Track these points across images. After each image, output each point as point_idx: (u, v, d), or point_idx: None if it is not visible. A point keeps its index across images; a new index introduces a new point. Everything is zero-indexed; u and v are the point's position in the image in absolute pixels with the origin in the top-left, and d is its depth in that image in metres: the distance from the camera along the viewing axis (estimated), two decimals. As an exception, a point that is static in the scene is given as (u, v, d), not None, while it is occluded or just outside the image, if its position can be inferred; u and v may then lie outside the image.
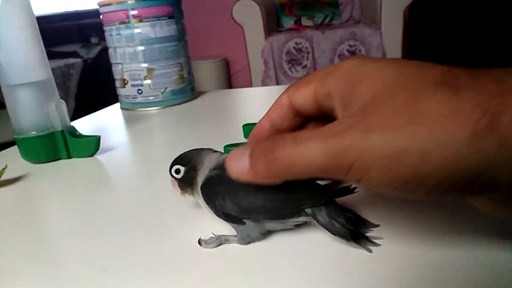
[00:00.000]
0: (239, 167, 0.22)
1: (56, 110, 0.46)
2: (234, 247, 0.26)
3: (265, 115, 0.27)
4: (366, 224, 0.25)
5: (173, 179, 0.29)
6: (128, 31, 0.70)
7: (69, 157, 0.48)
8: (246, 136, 0.47)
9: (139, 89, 0.73)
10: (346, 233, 0.24)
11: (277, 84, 2.30)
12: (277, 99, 0.26)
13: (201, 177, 0.27)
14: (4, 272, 0.26)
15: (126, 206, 0.35)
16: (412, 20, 2.33)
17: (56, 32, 2.58)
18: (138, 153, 0.51)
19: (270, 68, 2.30)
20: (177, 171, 0.28)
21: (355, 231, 0.24)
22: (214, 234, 0.26)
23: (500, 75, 0.17)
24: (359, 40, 2.17)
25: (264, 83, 2.32)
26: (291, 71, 2.31)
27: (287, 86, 0.29)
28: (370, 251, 0.24)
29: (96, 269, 0.25)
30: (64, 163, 0.48)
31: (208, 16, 2.77)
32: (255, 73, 2.35)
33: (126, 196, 0.37)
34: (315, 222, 0.25)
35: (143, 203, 0.35)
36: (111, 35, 0.73)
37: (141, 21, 0.70)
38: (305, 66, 2.28)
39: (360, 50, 2.18)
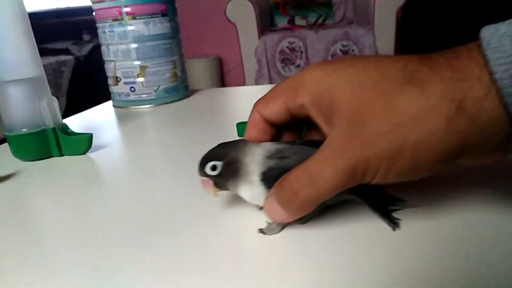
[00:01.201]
0: (280, 217, 0.25)
1: (47, 107, 0.46)
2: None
3: (245, 136, 0.30)
4: (396, 200, 0.28)
5: (205, 179, 0.27)
6: (121, 28, 0.70)
7: (61, 154, 0.48)
8: (240, 134, 0.47)
9: (131, 87, 0.73)
10: (383, 211, 0.27)
11: (271, 83, 2.30)
12: (250, 119, 0.29)
13: (254, 166, 0.26)
14: (-5, 271, 0.26)
15: (118, 205, 0.34)
16: (405, 21, 2.35)
17: (47, 29, 2.55)
18: (131, 151, 0.51)
19: (264, 67, 2.30)
20: (214, 168, 0.27)
21: (388, 209, 0.27)
22: (269, 222, 0.27)
23: (451, 60, 0.20)
24: (352, 40, 2.18)
25: (257, 82, 2.32)
26: (285, 70, 2.31)
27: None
28: (393, 228, 0.26)
29: (88, 269, 0.25)
30: (55, 160, 0.47)
31: (202, 14, 2.76)
32: (248, 72, 2.34)
33: (118, 195, 0.37)
34: (359, 198, 0.27)
35: (136, 201, 0.35)
36: (104, 32, 0.72)
37: (134, 18, 0.69)
38: (298, 66, 2.29)
39: (353, 50, 2.19)
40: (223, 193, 0.29)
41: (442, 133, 0.20)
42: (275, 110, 0.27)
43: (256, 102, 0.29)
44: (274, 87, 0.28)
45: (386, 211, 0.27)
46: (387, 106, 0.21)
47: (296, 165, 0.24)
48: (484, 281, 0.21)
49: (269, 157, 0.26)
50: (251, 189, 0.27)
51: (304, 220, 0.27)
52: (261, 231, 0.26)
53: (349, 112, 0.22)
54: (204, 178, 0.27)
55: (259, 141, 0.28)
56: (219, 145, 0.29)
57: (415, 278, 0.21)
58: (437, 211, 0.27)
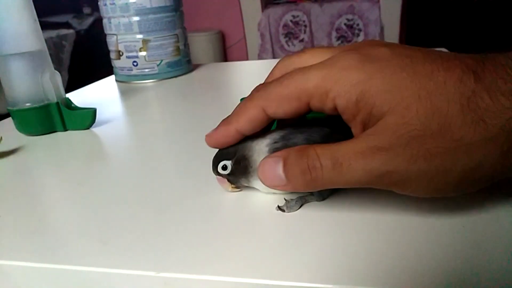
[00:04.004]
0: (275, 180, 0.23)
1: (50, 82, 0.46)
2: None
3: (231, 126, 0.26)
4: None
5: (219, 177, 0.28)
6: (122, 1, 0.68)
7: (65, 129, 0.48)
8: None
9: (134, 61, 0.72)
10: None
11: (274, 57, 2.28)
12: (247, 112, 0.25)
13: (261, 157, 0.26)
14: (1, 245, 0.26)
15: (122, 179, 0.34)
16: (412, -6, 2.29)
17: (46, 2, 2.51)
18: (135, 126, 0.51)
19: (267, 41, 2.27)
20: (224, 167, 0.28)
21: None
22: (286, 199, 0.27)
23: (508, 84, 0.19)
24: (357, 14, 2.14)
25: (260, 57, 2.30)
26: (288, 45, 2.28)
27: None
28: None
29: (94, 242, 0.25)
30: (59, 135, 0.47)
31: (204, -14, 2.70)
32: (251, 46, 2.32)
33: (122, 169, 0.37)
34: None
35: (140, 176, 0.35)
36: (105, 5, 0.71)
37: (135, -10, 0.68)
38: (302, 40, 2.26)
39: (358, 25, 2.15)
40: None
41: (494, 162, 0.20)
42: (290, 111, 0.24)
43: (259, 94, 0.25)
44: (283, 79, 0.24)
45: None
46: (442, 128, 0.20)
47: (302, 143, 0.24)
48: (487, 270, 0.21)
49: (275, 142, 0.26)
50: None
51: (323, 196, 0.27)
52: (280, 208, 0.27)
53: (398, 120, 0.21)
54: (219, 176, 0.28)
55: (244, 132, 0.26)
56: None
57: (433, 260, 0.21)
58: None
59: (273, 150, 0.26)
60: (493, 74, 0.20)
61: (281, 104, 0.24)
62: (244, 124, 0.26)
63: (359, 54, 0.23)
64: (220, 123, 0.27)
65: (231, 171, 0.28)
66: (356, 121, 0.23)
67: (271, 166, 0.23)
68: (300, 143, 0.25)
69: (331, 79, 0.23)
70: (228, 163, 0.28)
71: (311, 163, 0.22)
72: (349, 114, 0.23)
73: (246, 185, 0.28)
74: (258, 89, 0.26)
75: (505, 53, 0.20)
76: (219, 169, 0.28)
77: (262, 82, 0.28)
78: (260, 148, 0.27)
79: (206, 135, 0.27)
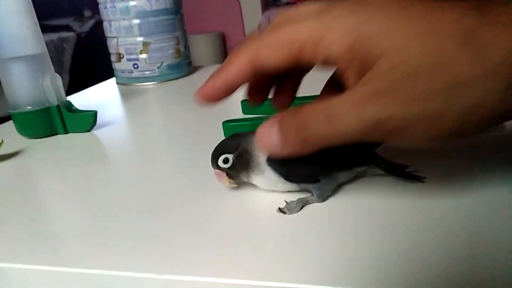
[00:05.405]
0: (271, 144, 0.22)
1: (51, 85, 0.46)
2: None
3: (220, 76, 0.24)
4: (407, 167, 0.28)
5: (218, 171, 0.28)
6: (123, 4, 0.69)
7: (66, 132, 0.48)
8: (244, 112, 0.47)
9: (135, 64, 0.72)
10: (400, 171, 0.28)
11: (274, 59, 2.28)
12: (237, 59, 0.23)
13: (263, 155, 0.26)
14: (2, 248, 0.26)
15: (123, 181, 0.35)
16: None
17: (47, 5, 2.51)
18: (135, 129, 0.51)
19: (267, 43, 2.27)
20: (226, 161, 0.27)
21: (404, 169, 0.28)
22: (287, 201, 0.27)
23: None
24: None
25: (260, 59, 2.30)
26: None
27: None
28: (423, 181, 0.27)
29: (95, 244, 0.25)
30: (60, 138, 0.47)
31: (204, -11, 2.71)
32: (251, 48, 2.32)
33: (123, 171, 0.37)
34: (373, 170, 0.28)
35: (140, 178, 0.35)
36: (105, 8, 0.71)
37: (136, -7, 0.68)
38: (302, 41, 2.26)
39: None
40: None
41: (498, 98, 0.18)
42: (282, 58, 0.22)
43: (251, 42, 0.23)
44: (276, 26, 0.23)
45: (406, 173, 0.28)
46: (438, 65, 0.19)
47: None
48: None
49: None
50: (264, 177, 0.27)
51: (323, 197, 0.27)
52: (281, 210, 0.26)
53: (392, 63, 0.19)
54: (218, 170, 0.28)
55: (238, 84, 0.24)
56: (227, 138, 0.29)
57: (434, 255, 0.21)
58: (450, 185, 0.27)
59: None
60: (497, 9, 0.19)
61: (272, 50, 0.23)
62: (234, 73, 0.24)
63: (353, 1, 0.22)
64: (210, 75, 0.25)
65: (232, 164, 0.27)
66: (351, 69, 0.22)
67: (267, 130, 0.22)
68: None
69: (324, 26, 0.21)
70: (230, 156, 0.27)
71: (304, 120, 0.21)
72: (343, 62, 0.22)
73: (246, 180, 0.28)
74: (250, 37, 0.24)
75: None
76: (220, 163, 0.27)
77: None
78: None
79: (196, 91, 0.25)
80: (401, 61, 0.19)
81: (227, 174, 0.28)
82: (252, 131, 0.27)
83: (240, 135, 0.28)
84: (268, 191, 0.28)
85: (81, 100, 0.67)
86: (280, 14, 0.26)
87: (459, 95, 0.18)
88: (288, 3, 2.40)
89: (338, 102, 0.20)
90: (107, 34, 0.74)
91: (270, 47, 0.23)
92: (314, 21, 0.22)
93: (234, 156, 0.27)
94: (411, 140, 0.20)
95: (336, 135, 0.20)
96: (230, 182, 0.28)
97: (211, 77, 0.25)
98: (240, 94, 0.27)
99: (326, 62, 0.22)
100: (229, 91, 0.25)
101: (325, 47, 0.21)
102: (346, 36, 0.21)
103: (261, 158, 0.27)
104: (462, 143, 0.29)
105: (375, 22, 0.20)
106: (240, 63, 0.23)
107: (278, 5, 2.34)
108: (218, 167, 0.28)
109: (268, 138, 0.22)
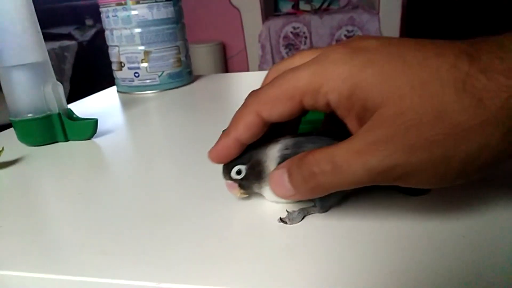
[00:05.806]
0: (286, 192, 0.24)
1: (52, 92, 0.46)
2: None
3: (230, 136, 0.26)
4: None
5: (230, 182, 0.28)
6: (124, 13, 0.69)
7: (66, 140, 0.48)
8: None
9: (136, 72, 0.72)
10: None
11: (274, 69, 2.29)
12: (244, 119, 0.25)
13: (273, 162, 0.26)
14: (1, 255, 0.26)
15: (124, 189, 0.35)
16: (411, 6, 2.31)
17: (49, 14, 2.53)
18: (136, 137, 0.51)
19: (267, 52, 2.29)
20: (239, 172, 0.27)
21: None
22: (288, 211, 0.27)
23: (505, 62, 0.18)
24: (357, 26, 2.16)
25: (261, 68, 2.31)
26: (288, 56, 2.30)
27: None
28: (426, 193, 0.28)
29: (95, 252, 0.25)
30: (61, 146, 0.47)
31: (205, -1, 2.73)
32: (252, 57, 2.33)
33: (124, 179, 0.37)
34: None
35: (141, 186, 0.35)
36: (107, 17, 0.71)
37: (138, 2, 0.69)
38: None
39: (358, 36, 2.17)
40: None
41: (496, 144, 0.19)
42: (285, 112, 0.24)
43: (252, 99, 0.25)
44: (275, 81, 0.24)
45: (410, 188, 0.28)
46: (439, 115, 0.19)
47: None
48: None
49: (286, 149, 0.26)
50: None
51: (325, 208, 0.27)
52: (282, 220, 0.26)
53: (393, 111, 0.20)
54: (229, 181, 0.28)
55: (244, 141, 0.26)
56: None
57: (438, 270, 0.21)
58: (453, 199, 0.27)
59: (284, 157, 0.26)
60: (488, 55, 0.19)
61: (275, 105, 0.24)
62: (243, 132, 0.25)
63: (348, 47, 0.22)
64: (220, 136, 0.27)
65: (245, 176, 0.27)
66: (351, 116, 0.22)
67: (279, 178, 0.24)
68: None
69: (321, 74, 0.22)
70: (243, 167, 0.27)
71: (310, 170, 0.22)
72: (343, 109, 0.23)
73: (257, 191, 0.28)
74: (251, 94, 0.26)
75: (498, 36, 0.20)
76: (233, 174, 0.27)
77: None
78: (272, 154, 0.27)
79: (208, 152, 0.27)
80: (403, 110, 0.20)
81: (239, 185, 0.28)
82: (263, 142, 0.27)
83: (251, 145, 0.28)
84: (274, 201, 0.28)
85: (81, 108, 0.67)
86: (277, 64, 0.28)
87: (461, 142, 0.19)
88: (288, 13, 2.42)
89: (342, 152, 0.21)
90: (109, 43, 0.74)
91: (272, 103, 0.24)
92: (311, 68, 0.23)
93: (247, 167, 0.27)
94: (419, 183, 0.21)
95: (343, 184, 0.21)
96: (241, 193, 0.28)
97: (221, 137, 0.26)
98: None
99: (328, 108, 0.23)
100: (240, 148, 0.26)
101: (324, 94, 0.23)
102: (343, 85, 0.22)
103: (272, 168, 0.27)
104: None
105: (372, 70, 0.21)
106: (246, 122, 0.25)
107: (278, 15, 2.36)
108: (230, 178, 0.28)
109: (281, 185, 0.24)
